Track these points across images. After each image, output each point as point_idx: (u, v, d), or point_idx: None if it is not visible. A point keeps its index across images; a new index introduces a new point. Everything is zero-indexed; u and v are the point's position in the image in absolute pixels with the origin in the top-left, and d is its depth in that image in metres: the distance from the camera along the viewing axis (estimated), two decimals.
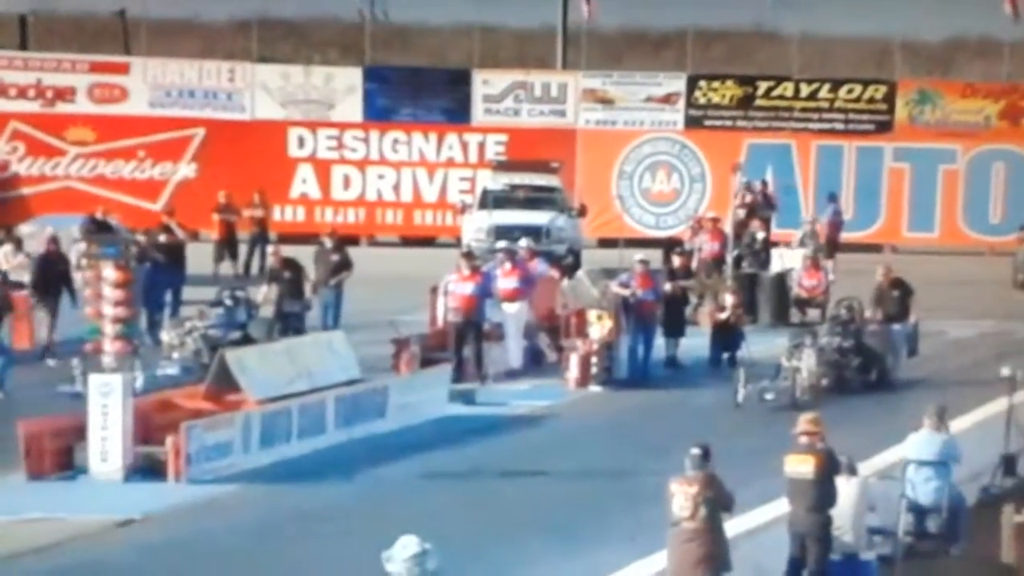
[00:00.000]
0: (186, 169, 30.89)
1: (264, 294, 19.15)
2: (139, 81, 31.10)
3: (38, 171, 30.73)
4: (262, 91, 31.15)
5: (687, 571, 9.23)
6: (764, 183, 27.37)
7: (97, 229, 22.52)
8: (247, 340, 17.35)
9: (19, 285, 19.87)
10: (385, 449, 14.70)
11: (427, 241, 30.74)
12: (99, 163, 30.83)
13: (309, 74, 31.68)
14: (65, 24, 36.79)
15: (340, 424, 14.99)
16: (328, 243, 20.73)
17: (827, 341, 17.84)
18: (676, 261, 20.35)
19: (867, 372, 18.06)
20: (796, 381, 16.83)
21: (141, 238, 20.73)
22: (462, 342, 17.84)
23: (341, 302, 19.95)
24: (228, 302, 18.43)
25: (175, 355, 17.47)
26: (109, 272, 13.66)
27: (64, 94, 31.02)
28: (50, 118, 30.88)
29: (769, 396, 16.57)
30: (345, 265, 20.22)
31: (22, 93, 31.02)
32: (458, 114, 31.26)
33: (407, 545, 6.63)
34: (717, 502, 9.24)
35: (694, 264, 22.07)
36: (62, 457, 13.32)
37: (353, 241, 29.58)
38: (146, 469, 13.29)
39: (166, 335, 17.75)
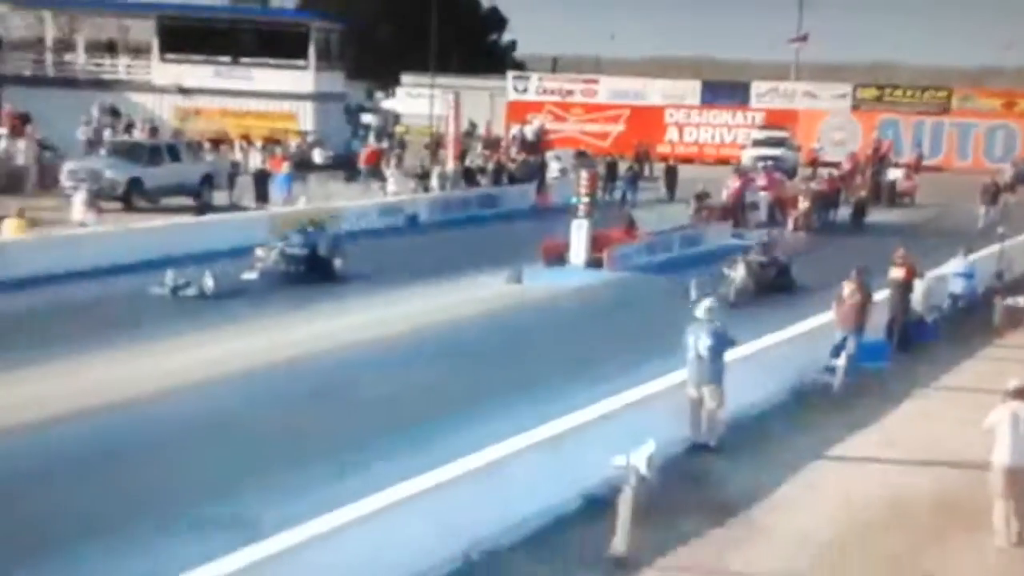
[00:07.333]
0: None
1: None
2: None
3: None
4: None
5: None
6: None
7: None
8: (316, 258, 19.72)
9: None
10: None
11: (725, 162, 48.97)
12: None
13: None
14: None
15: None
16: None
17: (752, 257, 21.21)
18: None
19: (780, 277, 21.55)
20: (732, 285, 20.02)
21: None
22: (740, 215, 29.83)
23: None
24: (309, 228, 20.34)
25: (259, 265, 19.50)
26: None
27: None
28: None
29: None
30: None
31: None
32: (744, 102, 55.44)
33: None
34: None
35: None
36: None
37: (690, 162, 49.97)
38: None
39: (259, 250, 19.70)
